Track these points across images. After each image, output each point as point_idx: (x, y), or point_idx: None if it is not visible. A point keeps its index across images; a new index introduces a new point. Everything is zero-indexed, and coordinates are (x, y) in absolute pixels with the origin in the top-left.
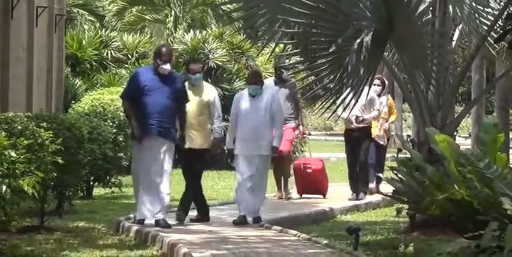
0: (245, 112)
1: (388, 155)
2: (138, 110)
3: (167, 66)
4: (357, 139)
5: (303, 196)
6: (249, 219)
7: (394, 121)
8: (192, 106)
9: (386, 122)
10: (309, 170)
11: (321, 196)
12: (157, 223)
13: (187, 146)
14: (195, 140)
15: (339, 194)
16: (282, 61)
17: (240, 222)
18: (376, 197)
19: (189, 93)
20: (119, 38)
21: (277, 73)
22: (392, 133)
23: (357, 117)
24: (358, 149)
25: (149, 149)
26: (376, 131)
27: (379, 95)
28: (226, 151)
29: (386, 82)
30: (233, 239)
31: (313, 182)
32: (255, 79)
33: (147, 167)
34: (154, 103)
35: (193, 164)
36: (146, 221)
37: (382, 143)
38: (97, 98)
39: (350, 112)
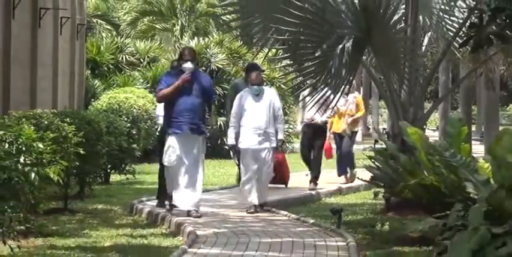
0: (251, 110)
1: (366, 146)
2: (171, 109)
3: (188, 64)
4: (312, 135)
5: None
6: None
7: (361, 117)
8: None
9: (351, 117)
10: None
11: (283, 185)
12: (189, 214)
13: None
14: None
15: (323, 180)
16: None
17: (255, 211)
18: (357, 183)
19: None
20: (132, 44)
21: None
22: (358, 129)
23: (312, 119)
24: (312, 142)
25: (182, 144)
26: (342, 125)
27: (347, 94)
28: (228, 147)
29: (354, 82)
30: (232, 219)
31: (276, 173)
32: (257, 80)
33: (182, 161)
34: (183, 101)
35: None
36: (179, 208)
37: (344, 135)
38: (113, 96)
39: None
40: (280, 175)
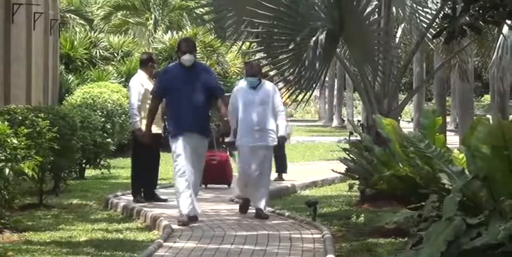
0: (249, 104)
1: (340, 138)
2: (171, 107)
3: (187, 56)
4: None
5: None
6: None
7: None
8: None
9: None
10: (214, 162)
11: (226, 185)
12: (189, 219)
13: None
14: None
15: (298, 172)
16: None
17: (263, 215)
18: (332, 175)
19: None
20: (106, 39)
21: None
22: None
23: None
24: None
25: (184, 147)
26: None
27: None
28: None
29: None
30: (207, 212)
31: (219, 173)
32: (253, 71)
33: (188, 167)
34: (185, 98)
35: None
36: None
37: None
38: (87, 91)
39: None
40: (223, 174)
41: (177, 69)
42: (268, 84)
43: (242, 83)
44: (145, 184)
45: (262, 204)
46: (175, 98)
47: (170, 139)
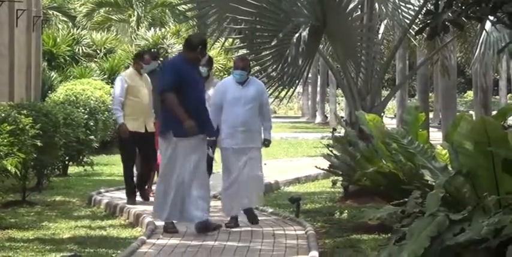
0: (234, 102)
1: (323, 134)
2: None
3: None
4: None
5: None
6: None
7: None
8: (147, 94)
9: None
10: None
11: None
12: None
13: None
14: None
15: (281, 169)
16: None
17: (234, 225)
18: (315, 171)
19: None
20: (88, 36)
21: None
22: None
23: None
24: None
25: (183, 148)
26: None
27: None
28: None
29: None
30: None
31: None
32: (243, 63)
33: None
34: (194, 97)
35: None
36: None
37: None
38: (70, 88)
39: None
40: None
41: (185, 65)
42: (256, 82)
43: (227, 79)
44: (138, 185)
45: (243, 205)
46: (184, 95)
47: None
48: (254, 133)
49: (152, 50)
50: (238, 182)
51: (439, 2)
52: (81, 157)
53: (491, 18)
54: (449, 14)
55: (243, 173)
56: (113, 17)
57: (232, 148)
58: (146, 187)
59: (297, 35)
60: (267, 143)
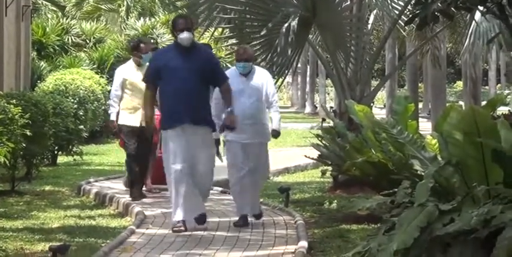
0: (238, 94)
1: (313, 124)
2: (164, 95)
3: (184, 34)
4: None
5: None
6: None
7: None
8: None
9: None
10: None
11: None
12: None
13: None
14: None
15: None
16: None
17: (243, 224)
18: (305, 161)
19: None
20: (78, 26)
21: None
22: None
23: None
24: None
25: (179, 140)
26: None
27: None
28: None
29: None
30: None
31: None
32: (246, 55)
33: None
34: (180, 84)
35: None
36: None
37: None
38: (60, 78)
39: None
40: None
41: (172, 51)
42: (261, 71)
43: (230, 70)
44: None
45: (252, 210)
46: (168, 85)
47: (163, 132)
48: (263, 126)
49: (149, 38)
50: (246, 181)
51: None
52: (70, 147)
53: (481, 8)
54: (439, 4)
55: (249, 171)
56: (103, 7)
57: (241, 143)
58: (142, 184)
59: (286, 25)
60: (275, 133)
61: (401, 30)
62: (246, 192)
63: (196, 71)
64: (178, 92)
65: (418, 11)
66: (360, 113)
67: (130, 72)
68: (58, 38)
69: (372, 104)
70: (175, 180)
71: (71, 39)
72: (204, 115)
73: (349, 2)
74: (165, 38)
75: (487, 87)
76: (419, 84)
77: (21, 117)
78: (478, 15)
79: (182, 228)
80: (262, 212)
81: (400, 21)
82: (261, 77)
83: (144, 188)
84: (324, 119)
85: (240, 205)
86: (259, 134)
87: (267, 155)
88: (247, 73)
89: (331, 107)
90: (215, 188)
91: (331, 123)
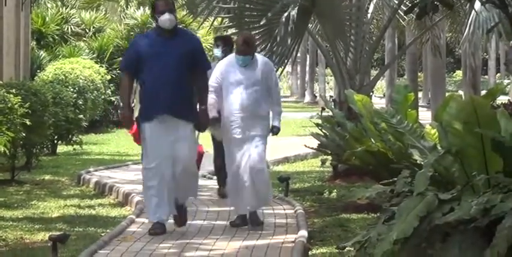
0: (236, 84)
1: (313, 114)
2: (143, 83)
3: (166, 16)
4: None
5: None
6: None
7: None
8: None
9: None
10: None
11: None
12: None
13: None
14: None
15: (270, 148)
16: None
17: (241, 223)
18: (304, 150)
19: None
20: (77, 15)
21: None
22: None
23: None
24: None
25: (158, 134)
26: None
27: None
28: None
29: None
30: None
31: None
32: (247, 47)
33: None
34: (160, 72)
35: None
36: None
37: None
38: (59, 67)
39: None
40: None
41: (153, 36)
42: (262, 60)
43: (229, 58)
44: None
45: (252, 207)
46: (148, 73)
47: (140, 123)
48: (260, 119)
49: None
50: (241, 177)
51: None
52: (70, 136)
53: None
54: None
55: (245, 167)
56: None
57: (234, 137)
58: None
59: (285, 14)
60: (275, 130)
61: (401, 20)
62: (242, 191)
63: (179, 57)
64: (159, 80)
65: (417, 0)
66: (359, 102)
67: None
68: (57, 27)
69: (371, 94)
70: (147, 177)
71: (71, 28)
72: (187, 106)
73: None
74: None
75: (486, 76)
76: (419, 74)
77: (21, 107)
78: (477, 5)
79: (158, 230)
80: (260, 221)
81: (399, 10)
82: (263, 67)
83: None
84: (323, 109)
85: (236, 204)
86: (255, 127)
87: (264, 150)
88: (246, 65)
89: (331, 96)
90: (215, 177)
91: (331, 113)
